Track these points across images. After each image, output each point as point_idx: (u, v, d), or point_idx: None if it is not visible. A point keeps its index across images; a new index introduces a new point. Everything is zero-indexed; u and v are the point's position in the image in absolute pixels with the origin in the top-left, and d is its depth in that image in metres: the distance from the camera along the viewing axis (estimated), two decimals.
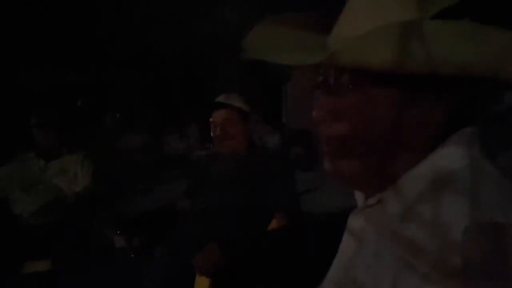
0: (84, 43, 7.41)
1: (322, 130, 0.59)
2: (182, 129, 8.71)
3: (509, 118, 5.11)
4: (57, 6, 6.79)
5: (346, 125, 0.55)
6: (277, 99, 8.18)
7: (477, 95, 0.54)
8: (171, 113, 9.06)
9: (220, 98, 1.97)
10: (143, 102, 8.94)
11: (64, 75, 7.80)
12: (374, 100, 0.53)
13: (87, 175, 2.56)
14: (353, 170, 0.57)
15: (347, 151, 0.56)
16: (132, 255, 1.83)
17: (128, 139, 7.90)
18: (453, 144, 0.53)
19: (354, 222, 0.63)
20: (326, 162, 0.59)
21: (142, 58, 7.81)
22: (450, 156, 0.52)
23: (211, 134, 1.98)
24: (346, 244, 0.65)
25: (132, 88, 8.61)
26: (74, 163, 2.58)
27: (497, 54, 0.46)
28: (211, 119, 1.96)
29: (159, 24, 7.31)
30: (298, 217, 1.79)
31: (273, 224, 1.79)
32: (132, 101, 8.98)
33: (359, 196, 0.65)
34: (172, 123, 8.86)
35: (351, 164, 0.57)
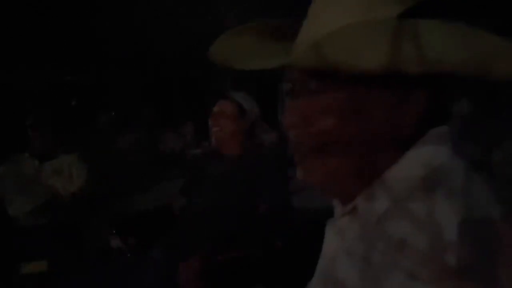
0: (78, 42, 7.38)
1: (292, 136, 0.58)
2: (177, 128, 8.70)
3: (504, 112, 5.14)
4: (53, 6, 6.76)
5: (316, 129, 0.55)
6: (273, 97, 8.19)
7: (451, 94, 0.55)
8: (166, 112, 9.05)
9: (225, 93, 1.98)
10: (138, 101, 8.92)
11: (59, 74, 7.76)
12: (342, 101, 0.53)
13: (82, 175, 2.55)
14: (325, 175, 0.56)
15: (318, 156, 0.56)
16: (129, 255, 1.82)
17: (124, 138, 7.88)
18: (437, 142, 0.53)
19: (330, 231, 0.63)
20: (298, 169, 0.59)
21: (137, 57, 7.79)
22: (439, 154, 0.52)
23: (210, 127, 1.97)
24: (325, 249, 0.64)
25: (127, 87, 8.59)
26: (69, 163, 2.57)
27: (487, 54, 0.47)
28: (212, 111, 1.95)
29: (155, 23, 7.29)
30: (282, 213, 1.79)
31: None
32: (127, 100, 8.96)
33: (336, 203, 0.64)
34: (167, 122, 8.84)
35: (323, 169, 0.56)
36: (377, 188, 0.53)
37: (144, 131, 8.22)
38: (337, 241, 0.60)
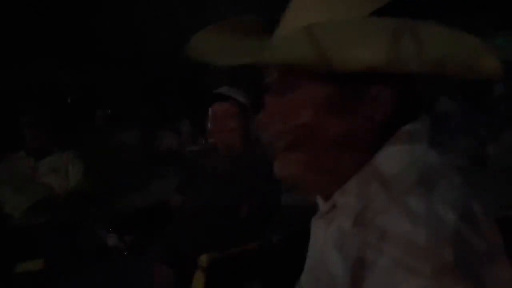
0: (75, 40, 7.34)
1: (268, 133, 0.59)
2: (174, 125, 8.68)
3: (498, 108, 5.17)
4: (50, 4, 6.72)
5: (292, 124, 0.55)
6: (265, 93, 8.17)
7: (422, 90, 0.56)
8: (163, 109, 9.03)
9: (222, 90, 1.95)
10: (134, 99, 8.90)
11: (54, 72, 7.72)
12: (318, 96, 0.54)
13: (78, 173, 2.55)
14: (300, 170, 0.57)
15: (293, 151, 0.56)
16: (125, 253, 1.82)
17: (120, 136, 7.85)
18: (424, 137, 0.54)
19: (315, 227, 0.64)
20: (275, 166, 0.60)
21: (134, 55, 7.76)
22: (431, 152, 0.53)
23: (209, 125, 1.95)
24: (312, 246, 0.65)
25: (124, 85, 8.56)
26: (65, 161, 2.56)
27: (474, 54, 0.48)
28: (211, 110, 1.94)
29: (152, 21, 7.26)
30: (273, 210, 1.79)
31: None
32: (124, 98, 8.93)
33: (318, 200, 0.64)
34: (164, 119, 8.83)
35: (297, 166, 0.57)
36: (377, 184, 0.53)
37: (141, 129, 8.20)
38: (323, 236, 0.60)
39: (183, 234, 1.76)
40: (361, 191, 0.54)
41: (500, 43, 5.55)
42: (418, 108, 0.56)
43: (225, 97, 1.91)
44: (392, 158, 0.53)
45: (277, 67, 0.57)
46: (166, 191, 2.67)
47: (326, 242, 0.58)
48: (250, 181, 1.79)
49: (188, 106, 8.74)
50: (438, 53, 0.48)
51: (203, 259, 1.59)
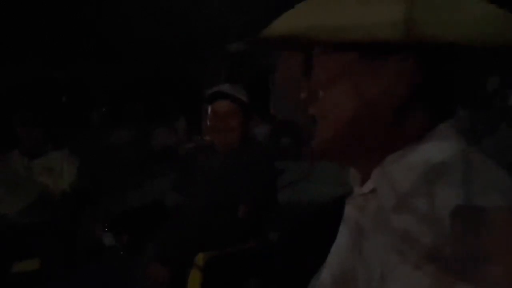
0: (69, 37, 7.29)
1: (308, 111, 0.61)
2: (170, 123, 8.66)
3: (494, 103, 5.18)
4: (41, 1, 6.67)
5: (325, 102, 0.57)
6: (264, 90, 8.17)
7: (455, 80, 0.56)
8: (158, 107, 9.01)
9: (224, 88, 1.93)
10: (130, 97, 8.86)
11: (48, 70, 7.68)
12: (339, 68, 0.56)
13: (73, 172, 2.53)
14: (330, 142, 0.58)
15: (331, 128, 0.58)
16: (122, 253, 1.81)
17: (115, 134, 7.83)
18: (441, 137, 0.54)
19: (350, 211, 0.63)
20: (314, 141, 0.61)
21: (130, 53, 7.73)
22: (441, 149, 0.53)
23: (208, 123, 1.94)
24: (342, 235, 0.65)
25: (118, 82, 8.52)
26: (60, 160, 2.55)
27: (475, 23, 0.49)
28: (211, 108, 1.92)
29: (149, 18, 7.23)
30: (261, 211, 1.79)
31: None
32: (119, 96, 8.90)
33: (354, 181, 0.64)
34: (160, 117, 8.80)
35: (327, 135, 0.58)
36: (384, 182, 0.54)
37: (136, 127, 8.18)
38: (350, 233, 0.61)
39: (179, 233, 1.75)
40: (405, 177, 0.53)
41: None
42: (453, 98, 0.57)
43: (226, 95, 1.89)
44: (442, 151, 0.53)
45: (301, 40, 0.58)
46: (162, 189, 2.66)
47: (363, 221, 0.59)
48: (247, 179, 1.79)
49: (184, 104, 8.72)
50: (455, 23, 0.48)
51: (200, 258, 1.58)
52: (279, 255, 1.78)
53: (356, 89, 0.55)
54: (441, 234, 0.45)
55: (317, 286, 0.67)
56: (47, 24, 6.92)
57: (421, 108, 0.55)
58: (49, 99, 7.77)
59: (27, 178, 2.45)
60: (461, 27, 0.48)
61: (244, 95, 1.91)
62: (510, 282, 0.43)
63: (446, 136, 0.54)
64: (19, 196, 2.39)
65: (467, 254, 0.44)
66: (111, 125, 8.18)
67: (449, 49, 0.52)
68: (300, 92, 0.61)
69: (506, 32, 0.49)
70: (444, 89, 0.56)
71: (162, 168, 5.32)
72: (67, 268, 2.01)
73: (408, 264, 0.46)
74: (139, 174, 5.51)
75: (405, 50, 0.52)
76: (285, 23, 0.55)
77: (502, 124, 4.38)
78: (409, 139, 0.55)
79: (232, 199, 1.78)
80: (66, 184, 2.49)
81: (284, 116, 7.54)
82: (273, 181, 1.93)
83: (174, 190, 2.10)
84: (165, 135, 8.20)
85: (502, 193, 0.47)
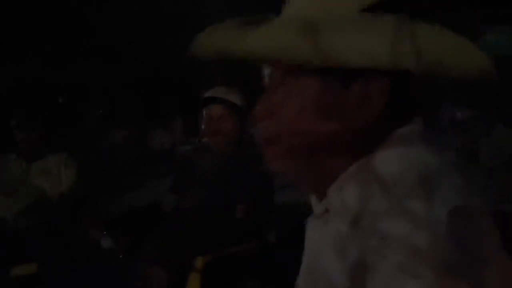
0: (64, 38, 7.26)
1: (259, 129, 0.59)
2: (167, 124, 8.64)
3: (488, 105, 5.21)
4: (37, 2, 6.64)
5: (279, 120, 0.56)
6: (260, 92, 8.16)
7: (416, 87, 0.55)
8: (155, 108, 8.99)
9: (219, 92, 1.94)
10: (126, 98, 8.84)
11: (44, 71, 7.64)
12: (304, 94, 0.54)
13: (71, 175, 2.52)
14: (287, 169, 0.57)
15: (284, 147, 0.56)
16: (120, 256, 1.81)
17: (112, 136, 7.81)
18: (420, 139, 0.54)
19: (311, 229, 0.63)
20: (267, 160, 0.59)
21: (126, 54, 7.71)
22: (429, 153, 0.53)
23: (203, 126, 1.94)
24: (308, 245, 0.65)
25: (115, 83, 8.49)
26: (57, 163, 2.54)
27: (467, 55, 0.49)
28: (206, 112, 1.93)
29: (144, 19, 7.21)
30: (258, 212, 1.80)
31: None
32: (116, 97, 8.87)
33: (312, 200, 0.64)
34: (156, 118, 8.78)
35: (284, 163, 0.57)
36: (377, 186, 0.52)
37: (133, 128, 8.16)
38: (319, 238, 0.60)
39: (178, 235, 1.75)
40: (360, 193, 0.53)
41: (490, 38, 5.58)
42: (412, 108, 0.56)
43: (220, 99, 1.90)
44: (391, 160, 0.53)
45: (270, 62, 0.57)
46: (159, 191, 2.66)
47: (322, 243, 0.58)
48: (244, 179, 1.80)
49: (181, 105, 8.71)
50: (437, 54, 0.48)
51: (199, 260, 1.59)
52: (277, 255, 1.78)
53: (319, 113, 0.53)
54: (439, 237, 0.45)
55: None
56: (45, 24, 6.89)
57: (382, 126, 0.54)
58: (46, 100, 7.73)
59: (24, 181, 2.45)
60: (439, 58, 0.48)
61: (238, 98, 1.92)
62: (509, 282, 0.43)
63: (424, 139, 0.54)
64: (16, 199, 2.38)
65: (465, 256, 0.44)
66: (108, 127, 8.16)
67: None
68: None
69: (479, 63, 0.50)
70: (408, 105, 0.55)
71: (159, 170, 5.30)
72: (65, 272, 2.00)
73: (404, 272, 0.45)
74: (137, 176, 5.49)
75: (376, 75, 0.51)
76: (264, 43, 0.51)
77: (499, 125, 4.40)
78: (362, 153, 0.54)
79: (229, 200, 1.78)
80: (64, 187, 2.48)
81: None
82: (270, 182, 1.93)
83: (172, 192, 2.10)
84: (163, 137, 8.19)
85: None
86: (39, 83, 7.64)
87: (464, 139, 4.66)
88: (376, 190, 0.52)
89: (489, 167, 4.28)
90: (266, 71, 0.59)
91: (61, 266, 2.10)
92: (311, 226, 0.63)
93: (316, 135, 0.54)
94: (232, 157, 1.90)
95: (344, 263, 0.52)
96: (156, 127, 8.44)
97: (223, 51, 0.54)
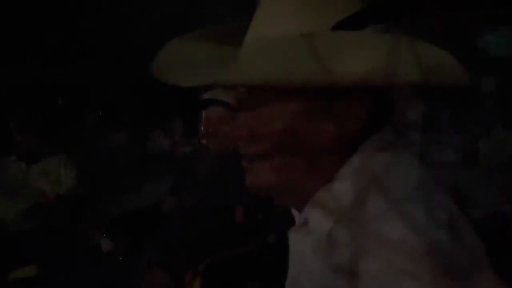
0: (64, 39, 7.26)
1: (240, 147, 0.59)
2: (166, 126, 8.64)
3: (488, 104, 5.21)
4: (37, 3, 6.63)
5: (261, 139, 0.55)
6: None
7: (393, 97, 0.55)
8: (154, 110, 8.99)
9: (216, 94, 1.94)
10: (126, 100, 8.84)
11: (43, 73, 7.63)
12: (288, 111, 0.53)
13: (70, 177, 2.52)
14: (270, 185, 0.57)
15: (264, 162, 0.56)
16: (120, 258, 1.81)
17: (112, 138, 7.81)
18: (401, 144, 0.55)
19: (293, 239, 0.63)
20: (247, 178, 0.59)
21: (125, 55, 7.70)
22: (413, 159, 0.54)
23: (201, 128, 1.94)
24: (292, 257, 0.65)
25: (114, 85, 8.50)
26: (57, 165, 2.54)
27: (452, 67, 0.50)
28: (204, 114, 1.93)
29: (143, 20, 7.21)
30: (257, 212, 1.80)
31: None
32: (115, 99, 8.87)
33: (293, 211, 0.64)
34: (156, 120, 8.78)
35: (267, 177, 0.56)
36: (374, 189, 0.53)
37: (133, 129, 8.16)
38: (301, 248, 0.60)
39: (178, 237, 1.75)
40: (355, 192, 0.53)
41: (488, 39, 5.59)
42: (386, 117, 0.56)
43: (217, 101, 1.90)
44: (389, 165, 0.53)
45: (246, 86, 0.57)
46: (159, 192, 2.66)
47: (304, 252, 0.58)
48: (244, 181, 1.79)
49: (181, 106, 8.71)
50: (429, 67, 0.48)
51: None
52: (277, 257, 1.78)
53: (301, 132, 0.53)
54: (437, 240, 0.45)
55: None
56: (44, 25, 6.89)
57: (362, 134, 0.54)
58: (45, 101, 7.73)
59: (24, 183, 2.45)
60: (429, 71, 0.49)
61: (236, 99, 1.92)
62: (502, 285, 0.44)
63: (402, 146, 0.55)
64: (16, 201, 2.38)
65: (461, 259, 0.44)
66: (108, 128, 8.16)
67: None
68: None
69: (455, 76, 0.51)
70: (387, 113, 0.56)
71: (159, 171, 5.30)
72: (65, 274, 2.00)
73: (403, 275, 0.45)
74: (136, 177, 5.49)
75: (354, 92, 0.51)
76: (259, 68, 0.50)
77: (497, 125, 4.41)
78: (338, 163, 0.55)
79: (229, 201, 1.78)
80: (64, 189, 2.48)
81: None
82: None
83: (171, 193, 2.10)
84: (162, 138, 8.19)
85: None
86: (38, 85, 7.64)
87: (464, 139, 4.67)
88: (374, 192, 0.52)
89: (488, 167, 4.29)
90: (243, 90, 0.59)
91: (61, 268, 2.10)
92: (292, 238, 0.63)
93: (300, 148, 0.54)
94: (231, 159, 1.90)
95: (327, 262, 0.52)
96: (156, 129, 8.44)
97: (213, 81, 0.54)
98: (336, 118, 0.53)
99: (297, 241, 0.61)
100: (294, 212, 0.63)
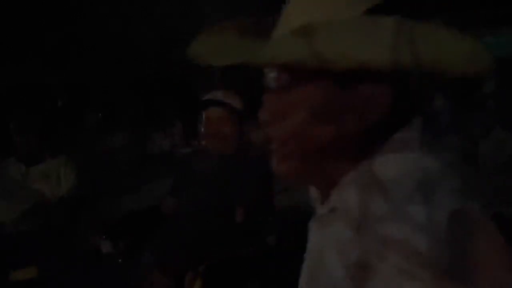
0: (63, 41, 7.26)
1: (268, 132, 0.60)
2: (166, 127, 8.64)
3: (488, 105, 5.22)
4: (37, 5, 6.63)
5: (286, 125, 0.57)
6: (259, 94, 8.15)
7: (417, 90, 0.55)
8: (154, 111, 8.99)
9: (218, 95, 1.94)
10: (125, 101, 8.83)
11: (43, 73, 7.63)
12: (309, 97, 0.55)
13: (70, 178, 2.52)
14: (296, 171, 0.58)
15: (291, 151, 0.58)
16: (120, 260, 1.80)
17: (111, 139, 7.81)
18: (419, 143, 0.55)
19: (313, 230, 0.64)
20: (274, 163, 0.60)
21: (124, 57, 7.70)
22: (427, 156, 0.54)
23: (202, 129, 1.94)
24: (311, 247, 0.65)
25: (114, 86, 8.50)
26: (57, 167, 2.54)
27: (467, 54, 0.50)
28: (205, 114, 1.93)
29: (140, 21, 7.21)
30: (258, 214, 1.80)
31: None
32: (115, 100, 8.87)
33: (316, 199, 0.65)
34: (155, 121, 8.78)
35: (293, 164, 0.58)
36: (377, 191, 0.53)
37: (132, 131, 8.16)
38: (321, 239, 0.60)
39: (178, 238, 1.75)
40: (361, 198, 0.54)
41: (488, 40, 5.60)
42: (411, 110, 0.56)
43: (218, 102, 1.90)
44: (390, 165, 0.53)
45: (274, 67, 0.58)
46: (159, 194, 2.65)
47: (324, 244, 0.59)
48: (243, 182, 1.79)
49: (181, 108, 8.71)
50: (436, 53, 0.49)
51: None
52: (277, 258, 1.78)
53: (324, 118, 0.54)
54: (437, 240, 0.45)
55: None
56: (43, 26, 6.89)
57: (383, 129, 0.55)
58: (45, 103, 7.72)
59: (23, 185, 2.44)
60: (438, 57, 0.49)
61: (237, 102, 1.92)
62: (507, 283, 0.44)
63: (418, 144, 0.55)
64: (16, 203, 2.38)
65: (462, 259, 0.44)
66: (107, 130, 8.16)
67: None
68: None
69: (478, 61, 0.50)
70: (410, 105, 0.56)
71: (159, 173, 5.30)
72: (65, 276, 2.00)
73: (404, 275, 0.45)
74: (136, 179, 5.49)
75: (379, 78, 0.52)
76: (283, 51, 0.52)
77: (497, 127, 4.41)
78: (365, 155, 0.55)
79: (229, 203, 1.78)
80: (63, 190, 2.48)
81: None
82: (269, 184, 1.93)
83: (171, 195, 2.09)
84: (162, 139, 8.19)
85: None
86: (38, 85, 7.63)
87: (464, 141, 4.66)
88: (376, 194, 0.52)
89: (488, 168, 4.29)
90: (271, 74, 0.60)
91: (61, 270, 2.10)
92: (313, 227, 0.64)
93: (321, 140, 0.55)
94: (231, 160, 1.90)
95: (345, 265, 0.52)
96: (155, 130, 8.44)
97: (238, 61, 0.55)
98: (358, 108, 0.53)
99: (317, 232, 0.62)
100: (315, 202, 0.64)
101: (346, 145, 0.55)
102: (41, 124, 2.56)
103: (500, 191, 3.36)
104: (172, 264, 1.62)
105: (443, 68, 0.49)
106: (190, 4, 7.10)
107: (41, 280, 2.05)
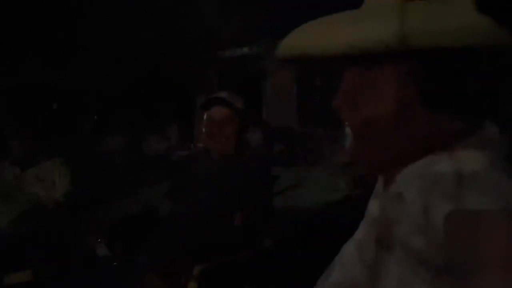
0: (60, 43, 7.24)
1: (342, 118, 0.64)
2: (162, 130, 8.62)
3: None
4: (34, 6, 6.61)
5: (359, 112, 0.60)
6: (257, 96, 8.18)
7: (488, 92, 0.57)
8: (150, 114, 8.97)
9: (222, 95, 1.92)
10: (121, 104, 8.81)
11: (39, 75, 7.59)
12: (383, 83, 0.57)
13: (65, 181, 2.51)
14: (371, 156, 0.62)
15: (363, 137, 0.61)
16: (115, 263, 1.79)
17: (107, 142, 7.78)
18: (473, 147, 0.56)
19: (373, 207, 0.67)
20: (350, 147, 0.64)
21: (121, 59, 7.69)
22: (474, 159, 0.54)
23: (204, 130, 1.93)
24: (363, 226, 0.69)
25: (110, 89, 8.47)
26: (52, 170, 2.52)
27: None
28: (207, 114, 1.91)
29: (136, 24, 7.20)
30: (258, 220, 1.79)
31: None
32: (110, 103, 8.84)
33: (379, 179, 0.68)
34: (151, 124, 8.76)
35: (367, 149, 0.61)
36: (413, 186, 0.55)
37: (128, 134, 8.14)
38: (369, 226, 0.64)
39: (174, 242, 1.74)
40: (419, 194, 0.54)
41: None
42: (485, 111, 0.59)
43: (223, 101, 1.89)
44: (473, 162, 0.53)
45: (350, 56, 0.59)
46: (155, 197, 2.64)
47: (392, 216, 0.59)
48: (243, 186, 1.78)
49: (177, 111, 8.70)
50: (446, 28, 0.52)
51: (195, 269, 1.57)
52: (275, 262, 1.78)
53: (399, 103, 0.56)
54: (435, 241, 0.46)
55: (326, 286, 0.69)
56: (38, 30, 6.86)
57: (445, 119, 0.56)
58: (40, 106, 7.68)
59: (19, 189, 2.43)
60: (449, 34, 0.51)
61: (240, 103, 1.91)
62: (506, 283, 0.44)
63: (478, 147, 0.55)
64: (11, 206, 2.36)
65: (463, 258, 0.45)
66: (103, 133, 8.13)
67: (444, 54, 0.54)
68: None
69: (490, 36, 0.53)
70: (457, 97, 0.56)
71: (155, 176, 5.29)
72: (60, 280, 1.98)
73: (406, 269, 0.48)
74: (132, 182, 5.47)
75: (403, 57, 0.54)
76: (304, 42, 0.57)
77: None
78: (432, 149, 0.56)
79: (227, 207, 1.77)
80: (59, 194, 2.46)
81: (277, 122, 7.55)
82: (269, 188, 1.93)
83: (167, 198, 2.08)
84: (158, 142, 8.17)
85: (497, 196, 0.48)
86: (33, 88, 7.60)
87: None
88: (413, 189, 0.55)
89: None
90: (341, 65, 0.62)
91: (56, 273, 2.08)
92: (374, 203, 0.67)
93: (386, 120, 0.57)
94: (230, 163, 1.89)
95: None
96: (152, 133, 8.43)
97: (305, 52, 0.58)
98: (393, 84, 0.58)
99: (378, 206, 0.64)
100: (379, 183, 0.67)
101: (403, 125, 0.57)
102: (35, 128, 2.55)
103: None
104: (168, 267, 1.61)
105: (452, 43, 0.51)
106: (190, 4, 7.10)
107: (36, 284, 2.03)
